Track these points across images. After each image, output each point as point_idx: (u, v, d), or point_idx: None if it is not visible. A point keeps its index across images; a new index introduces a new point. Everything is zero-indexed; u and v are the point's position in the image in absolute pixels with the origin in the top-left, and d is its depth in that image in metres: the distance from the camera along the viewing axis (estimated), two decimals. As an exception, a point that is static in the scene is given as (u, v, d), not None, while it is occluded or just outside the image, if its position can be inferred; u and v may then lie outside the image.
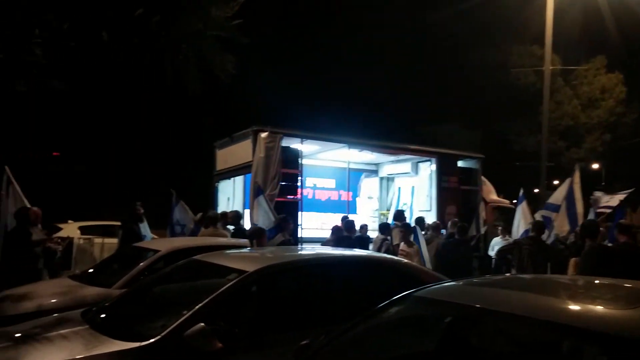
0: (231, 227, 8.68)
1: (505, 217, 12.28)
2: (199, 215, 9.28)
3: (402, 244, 8.11)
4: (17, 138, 22.86)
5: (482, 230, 11.10)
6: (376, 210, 13.10)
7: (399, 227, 9.02)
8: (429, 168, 12.33)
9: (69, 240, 9.62)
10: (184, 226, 9.75)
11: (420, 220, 9.47)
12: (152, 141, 25.78)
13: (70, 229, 11.71)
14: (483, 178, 12.83)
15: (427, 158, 12.31)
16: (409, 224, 8.79)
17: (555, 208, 9.33)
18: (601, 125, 27.86)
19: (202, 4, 3.35)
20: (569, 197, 9.20)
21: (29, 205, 7.19)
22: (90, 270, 6.24)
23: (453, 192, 12.00)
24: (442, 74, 26.92)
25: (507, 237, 10.22)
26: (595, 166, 30.45)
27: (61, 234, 10.90)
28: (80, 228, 12.04)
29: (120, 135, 24.70)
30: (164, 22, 3.44)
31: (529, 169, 23.62)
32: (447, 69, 27.05)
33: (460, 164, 12.56)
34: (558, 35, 16.31)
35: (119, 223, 9.41)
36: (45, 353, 3.15)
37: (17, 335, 3.47)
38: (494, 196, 13.28)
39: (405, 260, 5.20)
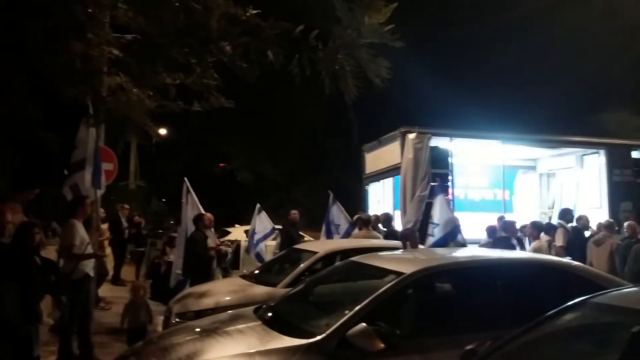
0: (383, 229, 8.80)
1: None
2: (356, 217, 9.51)
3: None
4: (193, 152, 25.77)
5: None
6: (541, 209, 12.18)
7: (564, 227, 8.33)
8: (596, 161, 11.14)
9: (236, 243, 10.59)
10: (338, 226, 10.08)
11: (565, 213, 8.69)
12: (306, 147, 27.12)
13: (237, 233, 12.87)
14: (665, 169, 11.22)
15: (594, 150, 11.15)
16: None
17: None
18: None
19: (356, 15, 3.49)
20: None
21: (203, 212, 8.06)
22: (257, 271, 6.80)
23: (627, 186, 10.70)
24: (611, 56, 23.95)
25: None
26: None
27: (230, 237, 12.04)
28: (246, 231, 13.15)
29: (277, 144, 26.40)
30: (321, 35, 3.65)
31: None
32: (616, 49, 24.02)
33: (635, 154, 11.14)
34: None
35: (279, 227, 10.12)
36: (226, 345, 3.50)
37: (199, 329, 3.91)
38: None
39: (576, 263, 4.77)
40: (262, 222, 10.00)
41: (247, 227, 13.57)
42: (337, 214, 10.31)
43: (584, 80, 24.79)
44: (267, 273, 6.55)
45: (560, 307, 2.53)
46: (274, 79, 4.61)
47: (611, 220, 8.70)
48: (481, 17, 24.04)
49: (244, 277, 6.58)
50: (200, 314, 5.22)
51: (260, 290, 5.68)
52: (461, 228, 8.31)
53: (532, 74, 25.71)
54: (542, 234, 8.48)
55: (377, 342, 3.17)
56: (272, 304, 4.33)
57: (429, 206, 9.05)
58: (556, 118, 21.84)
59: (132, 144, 15.54)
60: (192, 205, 8.33)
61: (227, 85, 5.02)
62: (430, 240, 8.48)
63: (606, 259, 7.50)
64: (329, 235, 10.11)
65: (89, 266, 5.75)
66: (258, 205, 10.21)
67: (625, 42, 24.05)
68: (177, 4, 3.50)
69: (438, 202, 8.68)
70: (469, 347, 2.66)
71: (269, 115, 25.40)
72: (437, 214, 8.58)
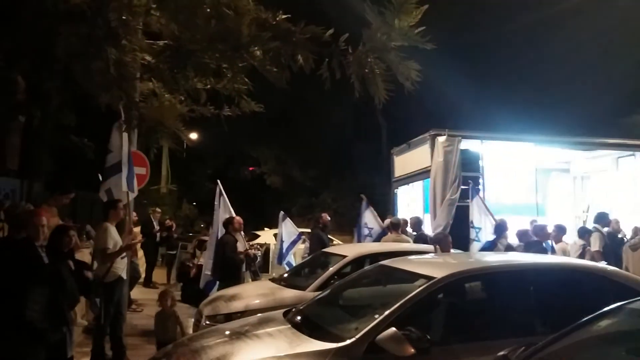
0: (413, 233, 8.73)
1: None
2: (387, 221, 9.45)
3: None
4: (223, 156, 26.14)
5: None
6: (575, 213, 11.88)
7: (599, 231, 8.11)
8: (632, 164, 10.81)
9: (266, 246, 10.65)
10: (372, 229, 10.06)
11: (600, 217, 8.47)
12: (335, 151, 27.17)
13: (267, 236, 12.96)
14: None
15: (630, 152, 10.83)
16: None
17: None
18: None
19: (386, 18, 3.49)
20: None
21: (234, 215, 8.14)
22: (286, 274, 6.83)
23: (664, 189, 10.35)
24: (641, 57, 23.22)
25: None
26: None
27: (259, 240, 12.13)
28: (275, 235, 13.22)
29: (306, 148, 26.52)
30: (351, 39, 3.67)
31: None
32: (647, 50, 23.26)
33: (674, 156, 10.76)
34: None
35: (308, 230, 10.13)
36: (256, 348, 3.53)
37: (229, 332, 3.95)
38: None
39: (612, 267, 4.64)
40: (288, 229, 9.92)
41: (276, 231, 13.69)
42: (370, 218, 10.28)
43: (617, 81, 24.11)
44: (296, 276, 6.58)
45: (596, 313, 2.47)
46: (304, 83, 4.65)
47: (646, 224, 8.43)
48: (511, 18, 23.61)
49: (273, 280, 6.63)
50: (230, 316, 5.27)
51: (289, 293, 5.71)
52: (507, 231, 8.13)
53: (564, 75, 25.10)
54: (577, 239, 8.29)
55: (407, 347, 3.14)
56: (301, 308, 4.34)
57: (464, 210, 8.97)
58: (589, 120, 21.24)
59: (164, 148, 15.84)
60: (224, 208, 8.41)
61: (257, 90, 5.08)
62: (476, 245, 8.39)
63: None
64: (361, 239, 10.08)
65: (121, 269, 5.87)
66: (282, 213, 10.11)
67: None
68: (208, 10, 3.56)
69: (475, 206, 8.56)
70: (501, 353, 2.61)
71: (298, 119, 25.58)
72: (477, 217, 8.46)
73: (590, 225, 9.00)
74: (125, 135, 6.12)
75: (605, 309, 2.47)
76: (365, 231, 10.12)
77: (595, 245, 8.00)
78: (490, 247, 7.85)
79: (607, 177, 11.49)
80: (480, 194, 9.62)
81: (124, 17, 4.02)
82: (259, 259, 9.19)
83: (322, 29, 3.69)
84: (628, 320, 2.41)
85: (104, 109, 4.94)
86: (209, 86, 5.39)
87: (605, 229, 8.41)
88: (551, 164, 12.04)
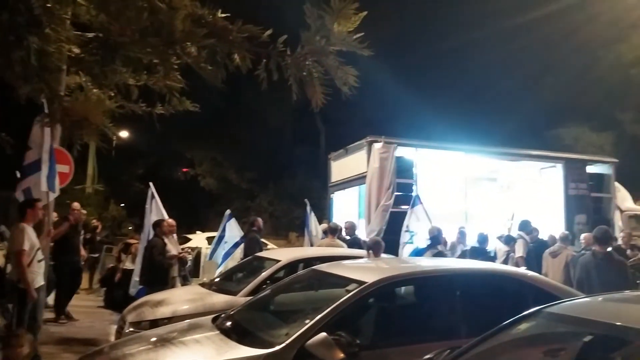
0: (347, 237, 8.81)
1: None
2: (324, 225, 9.48)
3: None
4: (156, 156, 25.29)
5: (619, 241, 10.05)
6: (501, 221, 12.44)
7: (523, 237, 8.55)
8: (554, 174, 11.50)
9: (197, 250, 10.38)
10: (315, 236, 10.09)
11: (525, 224, 9.03)
12: (272, 154, 27.02)
13: (199, 240, 12.64)
14: (617, 184, 11.70)
15: (552, 164, 11.52)
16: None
17: None
18: None
19: (325, 21, 3.47)
20: None
21: (167, 218, 7.87)
22: (218, 279, 6.67)
23: (582, 199, 11.09)
24: (569, 74, 24.96)
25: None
26: None
27: (191, 244, 11.81)
28: (207, 238, 12.94)
29: (243, 150, 26.19)
30: (289, 42, 3.62)
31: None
32: (575, 67, 25.04)
33: (590, 169, 11.57)
34: None
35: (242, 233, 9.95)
36: (182, 356, 3.41)
37: (154, 339, 3.79)
38: (630, 204, 12.04)
39: (532, 273, 4.87)
40: (232, 230, 9.69)
41: (210, 234, 13.38)
42: (313, 224, 10.32)
43: (543, 96, 25.74)
44: (228, 281, 6.43)
45: (516, 317, 2.57)
46: (243, 84, 4.56)
47: (566, 232, 8.97)
48: (449, 34, 24.67)
49: (203, 285, 6.44)
50: (156, 323, 5.06)
51: (219, 298, 5.57)
52: (443, 238, 8.39)
53: (496, 89, 26.49)
54: (502, 245, 8.68)
55: (336, 352, 3.14)
56: (231, 313, 4.24)
57: (398, 215, 9.17)
58: (517, 132, 22.47)
59: (91, 146, 15.09)
60: (156, 212, 8.14)
61: (193, 89, 4.93)
62: (408, 248, 8.58)
63: (561, 270, 7.70)
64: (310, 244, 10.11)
65: (39, 273, 5.50)
66: (228, 211, 9.81)
67: (581, 62, 25.08)
68: (140, 2, 3.41)
69: (417, 212, 8.76)
70: (427, 356, 2.66)
71: (235, 120, 25.22)
72: (416, 223, 8.65)
73: (514, 232, 9.47)
74: (47, 130, 5.76)
75: (524, 313, 2.57)
76: (309, 237, 10.20)
77: (519, 251, 8.42)
78: (422, 252, 8.10)
79: (531, 186, 12.15)
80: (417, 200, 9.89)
81: (48, 5, 3.77)
82: (189, 263, 8.91)
83: (260, 29, 3.62)
84: (545, 323, 2.53)
85: (24, 101, 4.62)
86: (141, 82, 5.17)
87: (529, 236, 8.89)
88: (480, 173, 12.55)
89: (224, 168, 27.16)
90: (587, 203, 11.14)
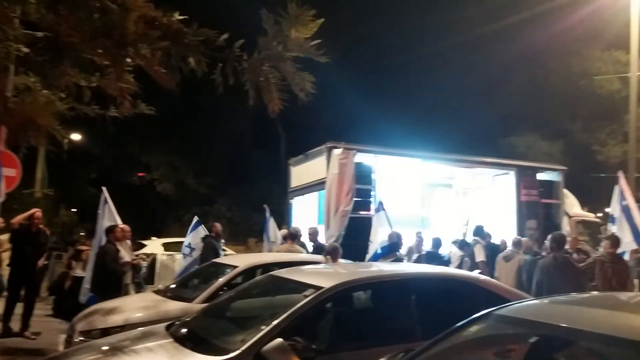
0: (311, 243, 8.80)
1: (590, 231, 11.57)
2: (283, 231, 9.43)
3: None
4: (110, 160, 24.59)
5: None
6: (456, 226, 12.72)
7: (479, 242, 8.78)
8: (507, 181, 11.87)
9: (152, 257, 10.13)
10: (274, 243, 10.01)
11: (479, 230, 9.29)
12: (232, 159, 26.72)
13: (154, 246, 12.36)
14: (565, 191, 12.20)
15: (505, 171, 11.89)
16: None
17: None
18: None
19: (282, 28, 3.47)
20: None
21: (121, 223, 7.65)
22: (173, 286, 6.53)
23: (533, 205, 11.49)
24: (522, 84, 25.96)
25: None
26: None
27: (146, 250, 11.52)
28: (164, 245, 12.66)
29: (202, 155, 25.80)
30: (246, 46, 3.61)
31: (615, 180, 22.11)
32: (527, 78, 26.06)
33: (540, 176, 12.01)
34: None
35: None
36: (133, 365, 3.31)
37: (105, 347, 3.67)
38: (577, 209, 12.56)
39: (484, 277, 5.00)
40: (271, 228, 9.61)
41: (166, 240, 13.11)
42: (272, 229, 10.24)
43: (499, 106, 26.66)
44: (183, 288, 6.30)
45: (467, 319, 2.62)
46: (201, 88, 4.50)
47: (519, 237, 9.27)
48: (408, 45, 25.28)
49: (157, 292, 6.29)
50: (108, 331, 4.90)
51: (174, 306, 5.45)
52: (401, 244, 8.48)
53: (453, 98, 27.27)
54: (457, 250, 8.88)
55: (292, 358, 3.12)
56: (185, 320, 4.15)
57: (357, 221, 9.24)
58: (473, 139, 23.13)
59: (41, 149, 14.51)
60: (109, 217, 7.90)
61: (151, 92, 4.82)
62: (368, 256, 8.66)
63: (514, 274, 7.94)
64: (269, 249, 10.01)
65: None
66: (196, 219, 9.53)
67: (534, 74, 26.14)
68: (91, 3, 3.31)
69: (379, 218, 8.81)
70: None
71: (195, 125, 24.85)
72: (376, 230, 8.70)
73: (469, 237, 9.71)
74: (-8, 132, 5.51)
75: (475, 315, 2.63)
76: (267, 244, 10.12)
77: (479, 255, 8.64)
78: (379, 257, 8.19)
79: (485, 192, 12.49)
80: (372, 206, 9.99)
81: (-6, 3, 3.63)
82: (144, 270, 8.68)
83: (216, 33, 3.59)
84: (495, 325, 2.59)
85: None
86: (93, 84, 5.02)
87: (484, 241, 9.14)
88: (436, 179, 12.83)
89: (182, 173, 26.65)
90: (537, 209, 11.54)
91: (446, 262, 8.57)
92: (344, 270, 5.07)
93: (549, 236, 6.87)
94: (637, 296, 4.31)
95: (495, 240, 9.66)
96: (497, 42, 24.00)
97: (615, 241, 7.09)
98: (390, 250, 7.99)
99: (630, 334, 2.03)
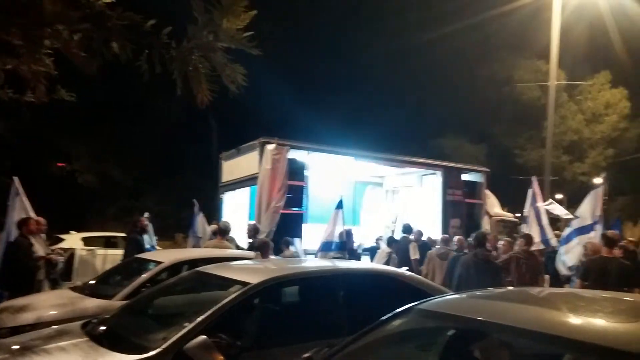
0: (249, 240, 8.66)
1: (508, 231, 12.24)
2: (213, 226, 9.23)
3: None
4: (26, 148, 23.00)
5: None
6: (385, 223, 13.02)
7: (413, 241, 9.04)
8: (434, 181, 12.31)
9: (71, 252, 9.60)
10: (200, 238, 9.79)
11: (408, 228, 9.60)
12: (161, 150, 25.85)
13: (73, 240, 11.71)
14: (487, 191, 12.82)
15: (433, 171, 12.31)
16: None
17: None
18: (604, 140, 28.09)
19: (213, 17, 3.36)
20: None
21: (33, 216, 7.19)
22: (92, 282, 6.21)
23: (457, 205, 11.98)
24: (450, 89, 27.12)
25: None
26: (599, 180, 30.47)
27: (63, 245, 10.89)
28: (84, 239, 12.04)
29: (128, 145, 24.75)
30: (175, 34, 3.46)
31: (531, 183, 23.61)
32: (455, 83, 27.27)
33: (465, 177, 12.54)
34: (564, 50, 16.35)
35: (122, 234, 9.40)
36: (44, 365, 3.12)
37: (15, 347, 3.44)
38: (497, 209, 13.24)
39: (409, 272, 5.15)
40: (200, 223, 9.53)
41: (85, 235, 12.48)
42: (200, 225, 10.00)
43: (430, 109, 27.75)
44: (103, 284, 6.00)
45: (390, 314, 2.68)
46: (129, 76, 4.27)
47: (447, 235, 9.63)
48: (343, 49, 25.78)
49: (74, 289, 5.95)
50: (18, 330, 4.59)
51: (92, 303, 5.18)
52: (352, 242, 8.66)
53: (387, 98, 28.03)
54: (385, 246, 9.07)
55: (215, 355, 3.05)
56: (103, 318, 3.96)
57: (289, 217, 9.23)
58: (405, 140, 23.89)
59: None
60: (20, 209, 7.39)
61: (76, 79, 4.52)
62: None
63: (446, 270, 8.21)
64: (196, 245, 9.74)
65: None
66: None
67: (462, 80, 27.39)
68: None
69: (337, 216, 8.80)
70: (305, 355, 2.68)
71: (122, 114, 23.77)
72: (334, 227, 8.69)
73: (398, 235, 9.96)
74: None
75: (398, 310, 2.69)
76: (194, 240, 9.88)
77: (414, 254, 8.89)
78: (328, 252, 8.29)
79: (413, 191, 12.89)
80: (303, 203, 10.03)
81: None
82: (60, 265, 8.19)
83: (143, 18, 3.42)
84: (416, 319, 2.66)
85: None
86: (9, 66, 4.66)
87: (420, 241, 9.45)
88: (368, 178, 13.10)
89: (106, 164, 25.37)
90: (461, 208, 12.05)
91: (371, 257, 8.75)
92: (273, 266, 5.03)
93: (473, 234, 7.20)
94: (544, 291, 4.60)
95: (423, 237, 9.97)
96: (431, 47, 24.95)
97: (529, 240, 7.58)
98: (340, 248, 8.08)
99: (537, 326, 2.16)
